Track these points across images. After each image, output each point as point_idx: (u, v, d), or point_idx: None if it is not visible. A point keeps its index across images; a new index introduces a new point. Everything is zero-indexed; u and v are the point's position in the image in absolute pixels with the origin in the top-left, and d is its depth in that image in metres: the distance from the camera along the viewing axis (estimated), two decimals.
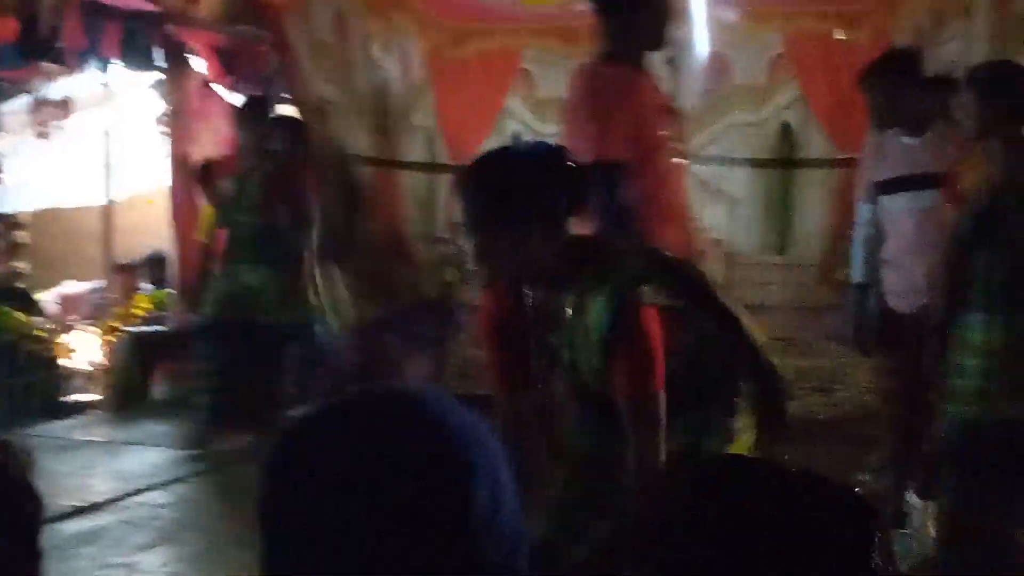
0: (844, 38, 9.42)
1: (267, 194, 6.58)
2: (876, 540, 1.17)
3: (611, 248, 2.88)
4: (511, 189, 2.66)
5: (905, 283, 5.05)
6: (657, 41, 4.00)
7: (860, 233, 5.33)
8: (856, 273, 5.45)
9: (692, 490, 1.24)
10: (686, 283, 2.82)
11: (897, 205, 5.10)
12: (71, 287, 8.22)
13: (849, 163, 9.63)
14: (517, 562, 1.13)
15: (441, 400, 1.16)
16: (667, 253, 3.03)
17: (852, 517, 1.17)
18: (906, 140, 5.07)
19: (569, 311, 2.71)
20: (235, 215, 6.69)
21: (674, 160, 4.31)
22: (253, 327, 6.53)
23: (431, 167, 10.78)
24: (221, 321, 6.52)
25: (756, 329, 2.92)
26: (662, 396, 2.63)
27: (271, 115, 7.13)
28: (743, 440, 2.81)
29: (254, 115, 6.94)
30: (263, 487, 1.13)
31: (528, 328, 2.85)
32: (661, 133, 4.02)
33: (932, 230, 4.73)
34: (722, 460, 1.82)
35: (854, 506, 1.18)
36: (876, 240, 5.23)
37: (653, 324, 2.64)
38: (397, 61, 10.38)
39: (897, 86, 4.94)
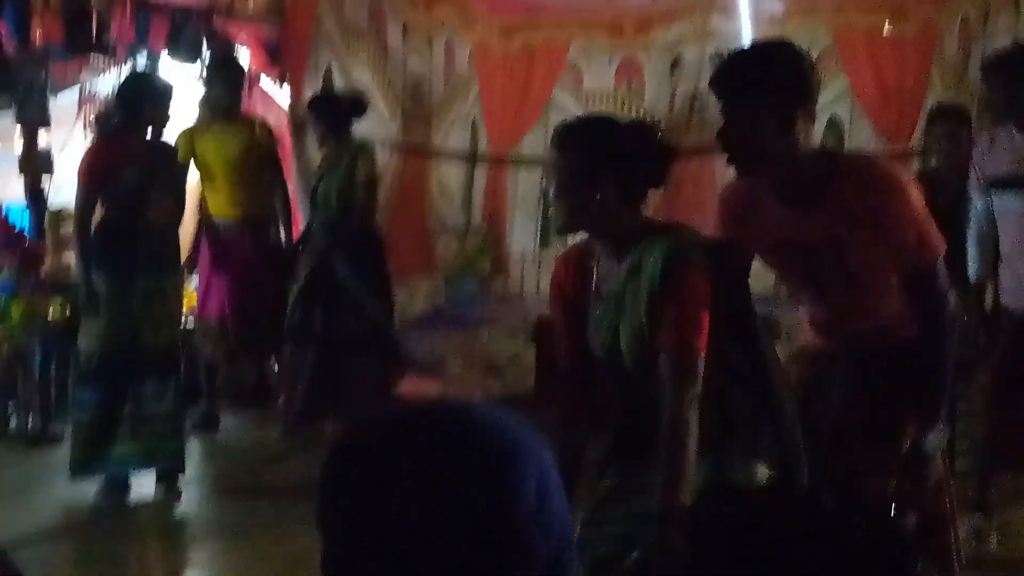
0: (891, 32, 9.35)
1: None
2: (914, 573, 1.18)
3: (676, 225, 2.95)
4: (603, 148, 2.79)
5: (1019, 282, 4.93)
6: None
7: (974, 229, 5.15)
8: (972, 271, 5.28)
9: (731, 524, 1.25)
10: (735, 272, 2.88)
11: (1008, 202, 4.95)
12: None
13: (896, 156, 9.62)
14: (564, 564, 1.19)
15: (490, 409, 1.22)
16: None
17: (890, 554, 1.17)
18: (1021, 136, 4.88)
19: (624, 275, 2.79)
20: None
21: None
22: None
23: (472, 157, 10.86)
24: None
25: (783, 376, 2.97)
26: (702, 359, 2.68)
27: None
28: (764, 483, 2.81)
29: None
30: (320, 492, 1.19)
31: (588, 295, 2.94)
32: None
33: None
34: (763, 494, 1.82)
35: (893, 544, 1.19)
36: (990, 236, 5.06)
37: (703, 285, 2.71)
38: (440, 53, 10.45)
39: (1020, 80, 4.77)
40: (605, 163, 2.77)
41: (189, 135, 6.57)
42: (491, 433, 1.18)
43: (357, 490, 1.16)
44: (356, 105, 6.59)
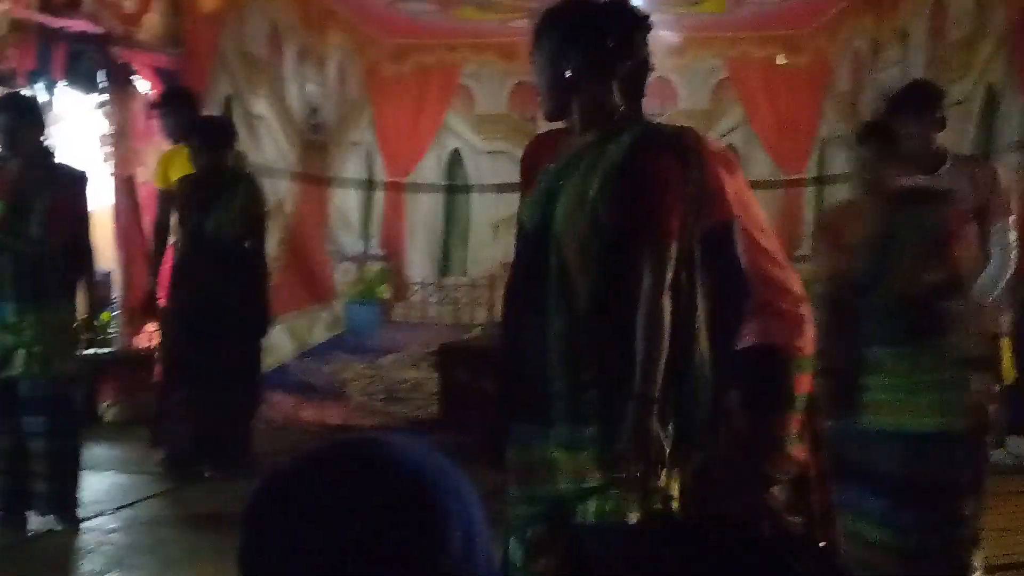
0: (785, 63, 9.61)
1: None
2: None
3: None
4: (567, 23, 2.83)
5: None
6: None
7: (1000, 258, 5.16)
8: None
9: (658, 550, 1.26)
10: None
11: None
12: None
13: (792, 184, 9.90)
14: None
15: (415, 448, 1.19)
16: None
17: None
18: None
19: (584, 149, 2.79)
20: None
21: None
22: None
23: (368, 184, 10.79)
24: None
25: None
26: (675, 244, 2.69)
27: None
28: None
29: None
30: (243, 534, 1.15)
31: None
32: None
33: None
34: (693, 521, 1.82)
35: (825, 570, 1.20)
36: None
37: (675, 169, 2.72)
38: (334, 77, 10.36)
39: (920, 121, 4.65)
40: (570, 37, 2.81)
41: (164, 160, 6.47)
42: (415, 475, 1.15)
43: (279, 533, 1.13)
44: (231, 133, 6.38)
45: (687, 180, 2.76)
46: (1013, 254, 4.42)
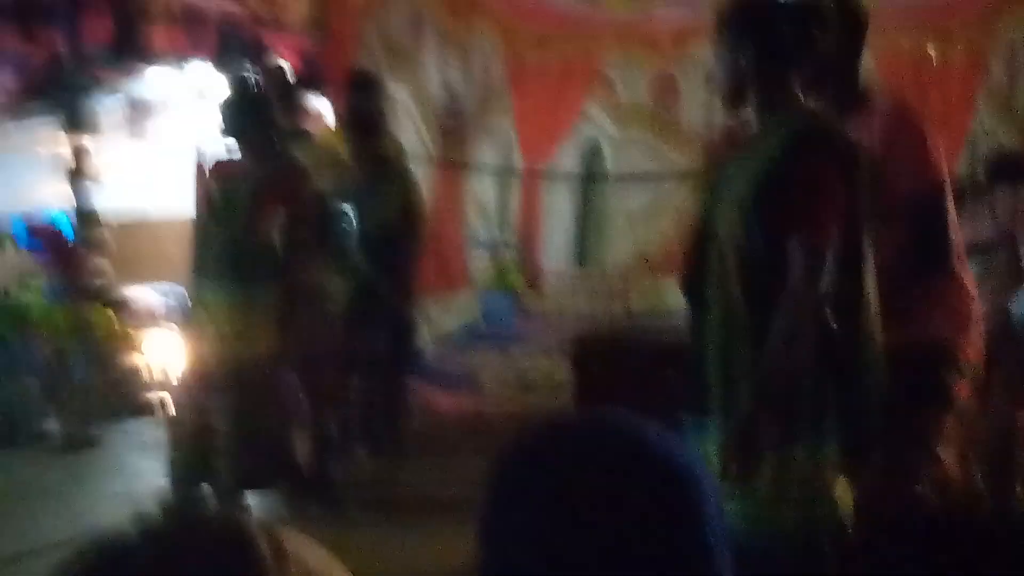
0: (936, 54, 9.30)
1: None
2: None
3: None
4: (742, 17, 2.92)
5: None
6: None
7: None
8: None
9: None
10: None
11: None
12: (139, 292, 8.11)
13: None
14: None
15: (648, 423, 1.13)
16: None
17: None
18: None
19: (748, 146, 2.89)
20: None
21: None
22: None
23: (506, 172, 10.80)
24: None
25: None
26: (827, 252, 2.68)
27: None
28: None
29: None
30: (490, 505, 1.11)
31: None
32: None
33: None
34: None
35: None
36: None
37: (828, 169, 2.71)
38: (475, 64, 10.39)
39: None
40: (743, 30, 2.91)
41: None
42: (666, 449, 1.10)
43: (528, 502, 1.08)
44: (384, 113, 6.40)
45: (848, 181, 2.73)
46: None
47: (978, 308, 3.50)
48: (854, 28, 3.16)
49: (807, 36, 2.87)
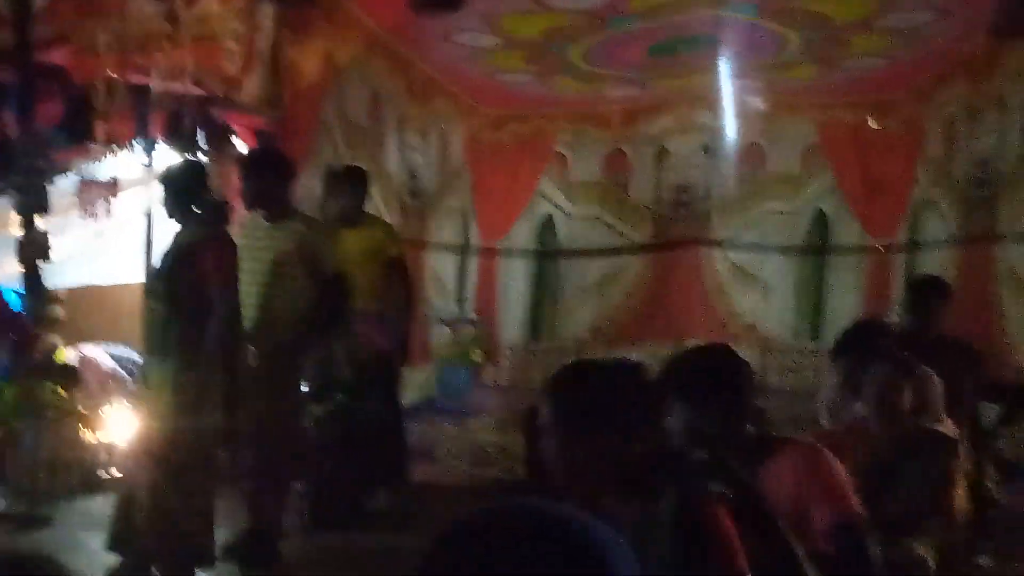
0: (877, 127, 9.50)
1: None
2: None
3: (677, 454, 2.82)
4: (598, 401, 2.58)
5: None
6: None
7: None
8: None
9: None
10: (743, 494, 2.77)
11: None
12: (92, 351, 8.08)
13: (881, 250, 9.75)
14: None
15: (581, 515, 1.19)
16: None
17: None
18: None
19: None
20: None
21: None
22: None
23: (464, 249, 10.93)
24: None
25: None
26: None
27: None
28: None
29: None
30: None
31: None
32: None
33: None
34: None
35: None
36: None
37: (723, 519, 2.52)
38: (434, 145, 10.56)
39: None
40: (610, 413, 2.60)
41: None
42: (586, 532, 1.17)
43: None
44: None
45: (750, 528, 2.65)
46: None
47: None
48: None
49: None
